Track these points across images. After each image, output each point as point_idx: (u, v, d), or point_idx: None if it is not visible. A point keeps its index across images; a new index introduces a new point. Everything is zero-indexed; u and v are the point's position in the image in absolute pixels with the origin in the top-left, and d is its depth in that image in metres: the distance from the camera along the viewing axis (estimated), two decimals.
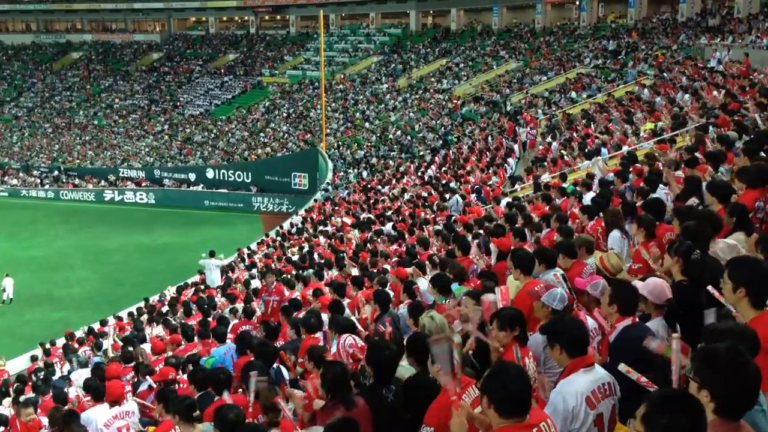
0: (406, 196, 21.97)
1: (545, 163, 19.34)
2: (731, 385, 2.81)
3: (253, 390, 5.10)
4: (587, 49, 39.55)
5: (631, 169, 11.22)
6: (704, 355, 2.96)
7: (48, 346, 17.21)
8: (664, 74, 26.25)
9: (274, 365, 6.87)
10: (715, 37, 29.36)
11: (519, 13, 52.20)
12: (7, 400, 12.50)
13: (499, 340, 4.92)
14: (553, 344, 4.16)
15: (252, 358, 6.90)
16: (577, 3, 46.50)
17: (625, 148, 16.42)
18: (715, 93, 18.19)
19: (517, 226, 9.65)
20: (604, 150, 18.01)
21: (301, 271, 14.95)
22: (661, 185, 9.25)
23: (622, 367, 3.78)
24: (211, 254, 21.22)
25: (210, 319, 12.74)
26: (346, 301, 9.21)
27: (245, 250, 24.45)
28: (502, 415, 3.41)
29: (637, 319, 4.66)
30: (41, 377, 13.31)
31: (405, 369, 5.36)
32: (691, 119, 16.28)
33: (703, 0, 38.72)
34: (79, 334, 17.78)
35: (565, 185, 13.00)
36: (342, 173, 38.13)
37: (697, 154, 10.06)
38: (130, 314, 19.09)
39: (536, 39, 45.96)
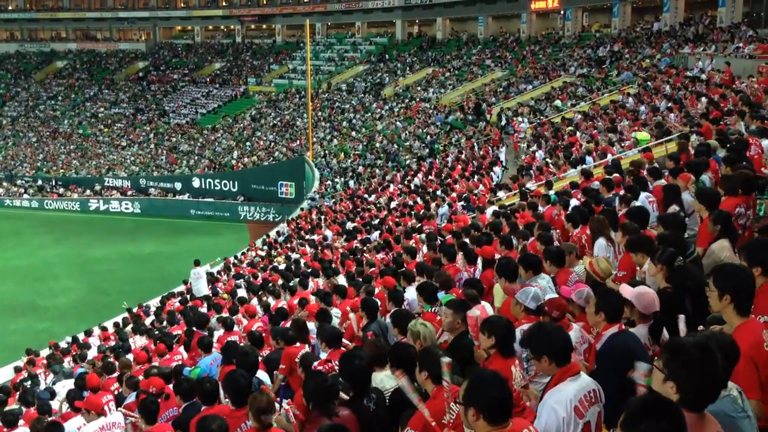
0: (393, 205, 21.99)
1: (531, 172, 19.44)
2: (698, 379, 2.88)
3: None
4: (572, 58, 39.81)
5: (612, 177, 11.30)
6: (673, 348, 3.01)
7: (32, 356, 17.05)
8: (648, 83, 26.45)
9: (259, 375, 6.85)
10: (698, 46, 29.63)
11: (504, 23, 52.46)
12: None
13: (484, 347, 4.92)
14: (539, 356, 4.12)
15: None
16: (562, 12, 46.82)
17: (609, 157, 16.52)
18: (698, 102, 18.36)
19: (503, 234, 9.67)
20: (589, 158, 18.14)
21: (286, 280, 14.92)
22: (643, 193, 9.32)
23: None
24: (196, 263, 21.11)
25: (195, 329, 12.66)
26: (333, 310, 9.18)
27: (232, 259, 24.39)
28: (491, 423, 3.41)
29: (623, 326, 4.67)
30: (26, 388, 13.17)
31: (388, 379, 5.35)
32: (675, 128, 16.44)
33: (686, 9, 39.11)
34: (63, 344, 17.65)
35: (550, 193, 13.06)
36: (329, 182, 38.11)
37: None
38: (116, 324, 18.96)
39: (521, 48, 46.22)
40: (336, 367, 5.75)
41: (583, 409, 3.89)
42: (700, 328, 4.53)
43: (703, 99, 18.62)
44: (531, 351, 4.18)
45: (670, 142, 15.29)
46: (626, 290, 4.92)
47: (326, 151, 44.19)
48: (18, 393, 12.69)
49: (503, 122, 32.12)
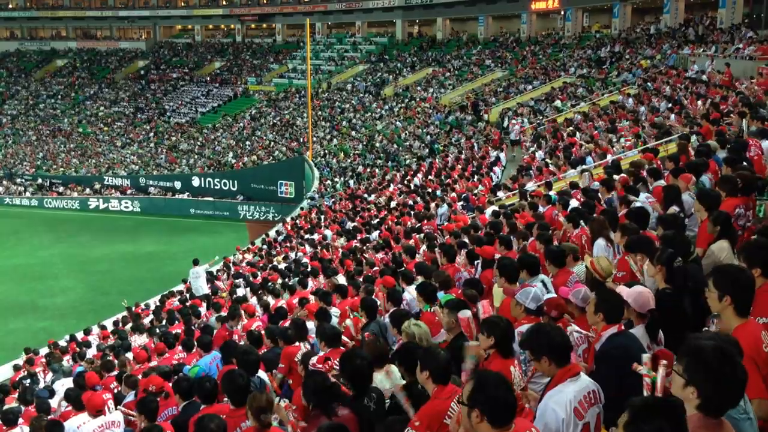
0: (392, 205, 21.98)
1: (531, 172, 19.44)
2: (720, 383, 2.85)
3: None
4: (572, 58, 39.82)
5: (617, 178, 11.29)
6: (693, 352, 2.96)
7: (32, 354, 17.05)
8: (648, 84, 26.46)
9: (259, 374, 6.84)
10: (698, 47, 29.62)
11: (504, 23, 52.47)
12: None
13: (483, 347, 4.92)
14: (539, 357, 4.10)
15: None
16: (562, 13, 46.82)
17: (609, 157, 16.54)
18: (699, 103, 18.38)
19: (502, 234, 9.67)
20: (589, 159, 18.15)
21: (287, 280, 14.92)
22: (643, 193, 9.32)
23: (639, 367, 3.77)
24: (195, 262, 21.12)
25: (194, 328, 12.67)
26: (332, 310, 9.18)
27: (231, 258, 24.38)
28: (495, 424, 3.38)
29: (623, 327, 4.67)
30: (25, 387, 13.18)
31: (385, 380, 5.34)
32: (675, 128, 16.47)
33: (686, 10, 39.14)
34: (63, 343, 17.65)
35: (551, 193, 13.06)
36: (328, 181, 38.12)
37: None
38: (115, 323, 18.97)
39: (522, 48, 46.23)
40: (335, 365, 5.75)
41: (583, 410, 3.88)
42: (705, 329, 4.54)
43: (699, 102, 18.64)
44: (530, 352, 4.17)
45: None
46: (623, 291, 4.93)
47: (326, 151, 44.20)
48: (17, 391, 12.70)
49: (505, 123, 32.11)
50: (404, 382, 4.86)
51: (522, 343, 4.34)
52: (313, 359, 6.12)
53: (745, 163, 8.66)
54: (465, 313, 5.54)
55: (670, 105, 20.83)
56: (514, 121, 29.62)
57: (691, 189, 8.51)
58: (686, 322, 4.92)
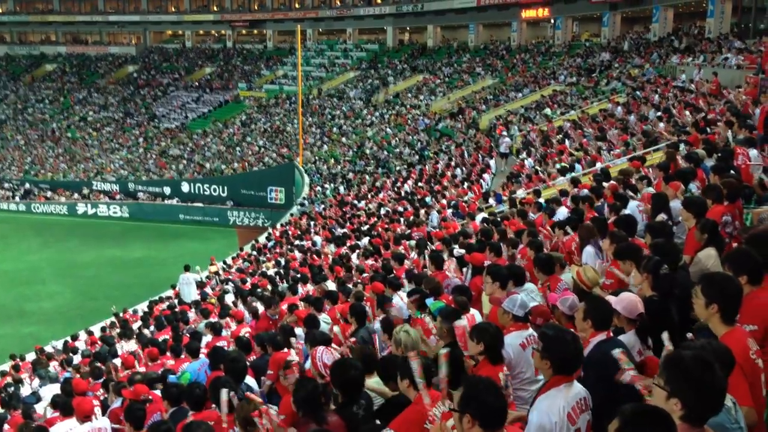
0: (383, 211, 22.00)
1: (520, 179, 19.52)
2: (702, 392, 2.88)
3: (224, 402, 5.05)
4: (562, 66, 40.01)
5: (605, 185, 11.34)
6: (673, 363, 2.99)
7: (17, 360, 16.94)
8: (637, 92, 26.61)
9: (246, 380, 6.82)
10: (687, 56, 29.83)
11: (495, 31, 52.70)
12: None
13: (472, 353, 4.93)
14: (544, 355, 4.08)
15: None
16: (552, 21, 47.06)
17: (598, 165, 16.61)
18: (687, 113, 18.51)
19: (492, 241, 9.70)
20: (578, 166, 18.23)
21: (276, 286, 14.89)
22: (633, 200, 9.37)
23: (616, 352, 3.80)
24: (186, 268, 21.07)
25: (182, 334, 12.61)
26: (322, 316, 9.16)
27: (221, 265, 24.30)
28: (486, 429, 3.39)
29: (611, 334, 4.68)
30: (10, 392, 13.09)
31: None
32: (661, 135, 16.58)
33: (675, 20, 39.44)
34: (49, 349, 17.53)
35: (541, 200, 13.13)
36: (318, 188, 38.09)
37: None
38: (103, 329, 18.87)
39: (512, 56, 46.41)
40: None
41: (576, 415, 3.89)
42: (689, 335, 4.56)
43: (687, 112, 18.77)
44: (542, 347, 4.11)
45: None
46: (610, 300, 4.95)
47: (316, 157, 44.18)
48: (2, 397, 12.61)
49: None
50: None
51: (542, 335, 4.27)
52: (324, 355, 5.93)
53: (732, 172, 8.71)
54: (461, 323, 5.54)
55: (659, 113, 20.95)
56: (504, 133, 29.63)
57: (679, 197, 8.56)
58: (673, 329, 4.94)
